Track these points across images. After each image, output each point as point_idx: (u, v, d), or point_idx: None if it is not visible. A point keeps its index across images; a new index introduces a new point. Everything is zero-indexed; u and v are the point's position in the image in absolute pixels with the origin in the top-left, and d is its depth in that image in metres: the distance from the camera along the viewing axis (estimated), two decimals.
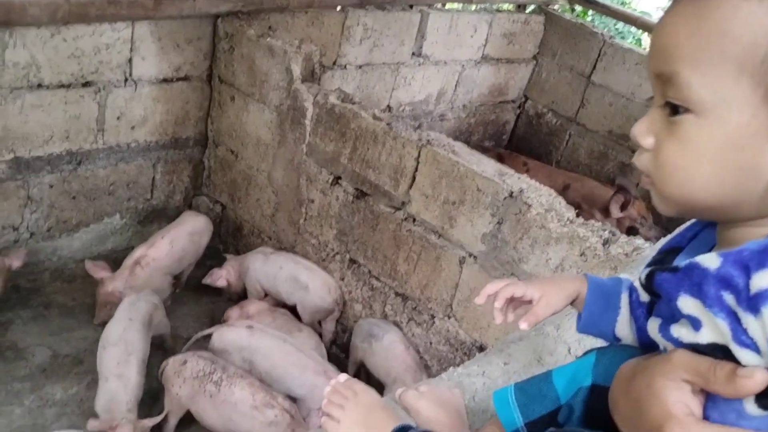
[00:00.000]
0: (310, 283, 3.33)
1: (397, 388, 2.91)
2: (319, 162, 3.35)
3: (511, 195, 2.75)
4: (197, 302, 3.66)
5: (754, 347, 0.70)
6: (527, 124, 5.22)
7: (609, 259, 2.58)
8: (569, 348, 1.48)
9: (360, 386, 1.19)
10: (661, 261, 0.92)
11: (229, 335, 2.99)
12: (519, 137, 5.28)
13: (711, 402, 0.76)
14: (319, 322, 3.41)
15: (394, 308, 3.23)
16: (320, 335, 3.37)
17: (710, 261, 0.73)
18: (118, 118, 3.46)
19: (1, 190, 3.25)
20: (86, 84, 3.27)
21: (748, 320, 0.70)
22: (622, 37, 6.25)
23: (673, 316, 0.81)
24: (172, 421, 2.76)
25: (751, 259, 0.70)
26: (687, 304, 0.76)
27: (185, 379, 2.68)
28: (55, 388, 2.99)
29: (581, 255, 2.64)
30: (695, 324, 0.76)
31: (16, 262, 3.14)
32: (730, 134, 0.73)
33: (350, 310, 3.42)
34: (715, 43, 0.72)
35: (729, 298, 0.71)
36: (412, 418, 1.24)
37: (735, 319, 0.71)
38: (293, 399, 2.85)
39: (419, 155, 2.99)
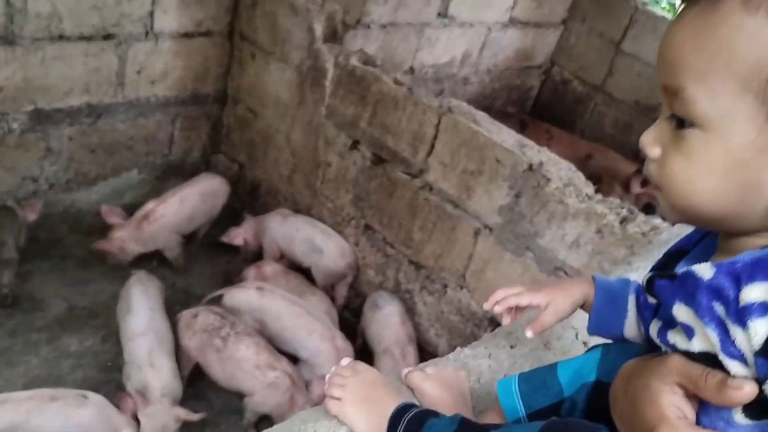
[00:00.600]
0: (325, 247, 3.34)
1: (385, 358, 2.98)
2: (337, 125, 3.31)
3: (530, 168, 2.71)
4: (212, 261, 3.69)
5: (741, 358, 0.71)
6: (552, 91, 5.12)
7: (625, 238, 2.54)
8: (577, 333, 1.47)
9: (361, 366, 1.19)
10: (665, 265, 0.92)
11: (240, 296, 3.02)
12: (543, 104, 5.19)
13: (702, 408, 0.77)
14: (333, 286, 3.42)
15: (407, 276, 3.23)
16: (333, 299, 3.38)
17: (704, 271, 0.75)
18: (138, 72, 3.45)
19: (21, 142, 3.26)
20: (107, 37, 3.25)
21: (736, 332, 0.71)
22: (656, 2, 6.07)
23: (670, 322, 0.82)
24: (183, 373, 2.81)
25: (743, 272, 0.71)
26: (681, 312, 0.78)
27: (195, 331, 2.75)
28: (71, 339, 3.05)
29: (597, 232, 2.61)
30: (688, 332, 0.77)
31: (31, 214, 3.17)
32: (735, 151, 0.72)
33: (363, 276, 3.43)
34: (719, 61, 0.71)
35: (719, 308, 0.72)
36: (416, 399, 1.24)
37: (724, 330, 0.72)
38: (296, 362, 2.90)
39: (439, 122, 2.94)
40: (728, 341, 0.72)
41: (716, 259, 0.83)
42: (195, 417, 2.56)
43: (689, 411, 0.77)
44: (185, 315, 2.86)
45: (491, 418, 1.17)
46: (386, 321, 3.07)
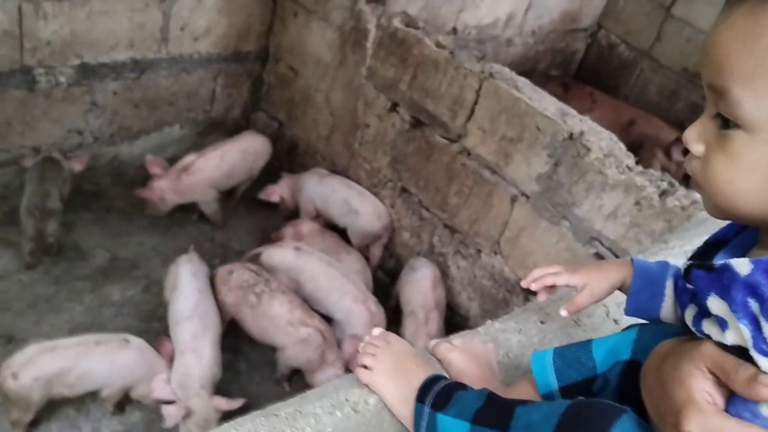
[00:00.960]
0: (361, 208, 3.37)
1: (410, 319, 3.02)
2: (377, 87, 3.31)
3: (570, 137, 2.69)
4: (251, 216, 3.75)
5: None
6: (598, 55, 5.00)
7: (664, 211, 2.52)
8: (608, 311, 1.47)
9: (393, 336, 1.21)
10: (705, 253, 0.92)
11: (278, 255, 3.08)
12: (588, 68, 5.07)
13: (730, 397, 0.78)
14: (367, 246, 3.46)
15: (441, 240, 3.24)
16: (367, 259, 3.43)
17: (742, 266, 0.74)
18: (181, 29, 3.47)
19: (67, 95, 3.33)
20: None
21: None
22: None
23: (705, 312, 0.82)
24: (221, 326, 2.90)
25: None
26: (715, 304, 0.78)
27: (230, 287, 2.82)
28: (113, 289, 3.15)
29: (636, 204, 2.58)
30: (722, 324, 0.77)
31: (77, 166, 3.26)
32: None
33: (398, 238, 3.46)
34: (767, 63, 0.70)
35: (754, 305, 0.72)
36: (443, 370, 1.26)
37: (757, 327, 0.72)
38: (330, 322, 2.96)
39: (480, 88, 2.92)
40: (760, 338, 0.72)
41: (756, 252, 0.83)
42: (234, 406, 2.55)
43: (719, 398, 0.77)
44: (221, 271, 2.92)
45: (523, 389, 1.18)
46: (418, 284, 3.10)
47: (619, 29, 4.86)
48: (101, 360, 2.50)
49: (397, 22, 3.16)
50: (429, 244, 3.30)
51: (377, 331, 1.22)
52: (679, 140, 4.03)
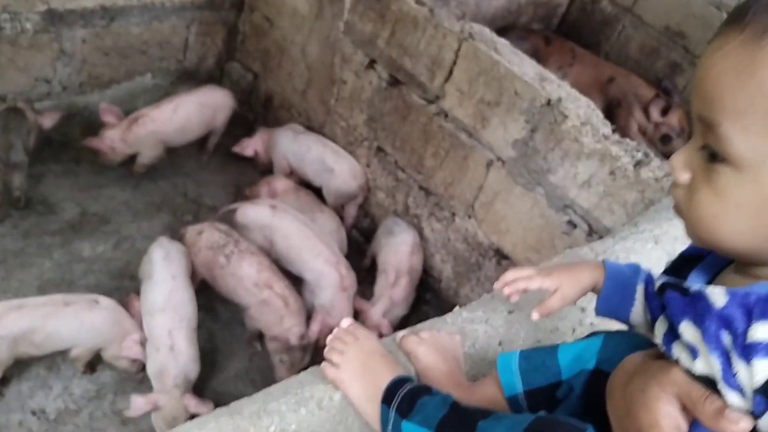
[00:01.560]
0: (336, 167, 3.33)
1: (381, 278, 3.03)
2: (355, 42, 3.23)
3: (548, 103, 2.66)
4: (225, 171, 3.70)
5: (740, 391, 0.72)
6: (580, 10, 4.92)
7: (638, 182, 2.52)
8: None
9: (361, 332, 1.22)
10: (680, 268, 0.91)
11: (252, 212, 3.05)
12: (570, 23, 4.99)
13: (694, 424, 0.78)
14: (342, 206, 3.44)
15: (416, 201, 3.23)
16: (342, 218, 3.41)
17: (717, 297, 0.74)
18: None
19: (34, 42, 3.21)
20: None
21: (739, 366, 0.71)
22: None
23: (676, 333, 0.81)
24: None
25: (756, 305, 0.70)
26: (688, 331, 0.78)
27: (200, 248, 2.80)
28: (83, 245, 3.11)
29: (610, 174, 2.58)
30: (693, 352, 0.77)
31: (48, 122, 3.16)
32: (766, 194, 0.71)
33: (373, 198, 3.44)
34: (761, 103, 0.68)
35: (727, 338, 0.72)
36: (410, 362, 1.27)
37: (727, 360, 0.72)
38: (301, 283, 2.96)
39: (459, 48, 2.86)
40: (730, 372, 0.72)
41: (729, 275, 0.83)
42: (203, 410, 2.43)
43: (683, 424, 0.78)
44: (190, 231, 2.89)
45: (488, 388, 1.19)
46: (396, 248, 3.10)
47: None
48: (70, 320, 2.48)
49: None
50: (404, 205, 3.29)
51: (346, 322, 1.22)
52: (658, 97, 4.04)
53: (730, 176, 0.72)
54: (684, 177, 0.78)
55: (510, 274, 1.20)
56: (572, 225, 2.72)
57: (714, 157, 0.73)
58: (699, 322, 0.75)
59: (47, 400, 2.53)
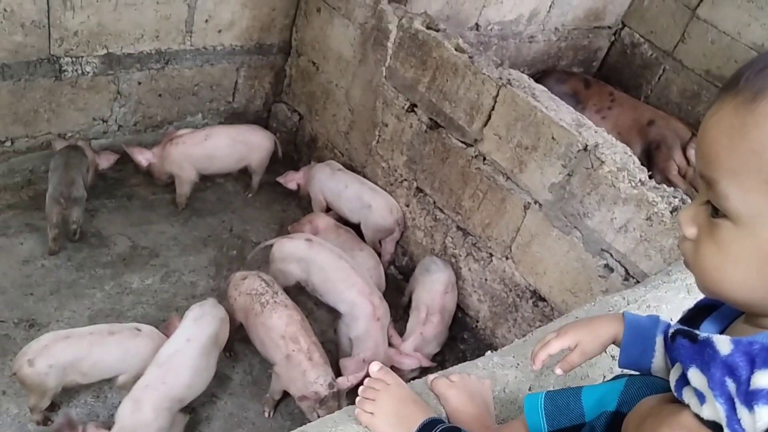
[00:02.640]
0: (374, 203, 3.43)
1: (413, 315, 3.09)
2: (397, 87, 3.34)
3: (585, 148, 2.71)
4: (269, 209, 3.82)
5: None
6: (620, 54, 4.98)
7: (674, 227, 2.54)
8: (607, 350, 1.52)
9: (392, 378, 1.27)
10: (694, 317, 0.95)
11: (289, 246, 3.14)
12: (609, 66, 5.05)
13: None
14: (380, 243, 3.52)
15: (454, 241, 3.29)
16: (380, 256, 3.49)
17: (723, 344, 0.77)
18: (206, 21, 3.51)
19: (93, 84, 3.40)
20: None
21: (742, 412, 0.74)
22: None
23: (686, 379, 0.85)
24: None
25: (759, 354, 0.73)
26: (695, 377, 0.81)
27: (240, 293, 2.85)
28: (133, 277, 3.24)
29: (647, 219, 2.61)
30: (700, 397, 0.81)
31: (104, 162, 3.34)
32: (763, 248, 0.75)
33: (412, 237, 3.51)
34: (753, 163, 0.73)
35: (731, 385, 0.75)
36: (440, 404, 1.32)
37: (732, 407, 0.75)
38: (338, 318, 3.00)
39: (498, 94, 2.94)
40: (734, 418, 0.75)
41: (739, 326, 0.86)
42: None
43: None
44: (236, 276, 2.95)
45: (515, 429, 1.24)
46: (431, 286, 3.16)
47: (643, 28, 4.83)
48: (114, 349, 2.59)
49: (418, 24, 3.17)
50: (442, 245, 3.36)
51: (376, 366, 1.27)
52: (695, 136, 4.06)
53: (730, 230, 0.77)
54: (690, 231, 0.82)
55: (535, 348, 1.23)
56: (609, 269, 2.75)
57: (716, 212, 0.78)
58: (705, 368, 0.79)
59: None
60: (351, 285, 3.03)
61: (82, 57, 3.29)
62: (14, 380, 2.64)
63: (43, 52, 3.18)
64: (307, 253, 3.11)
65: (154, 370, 2.50)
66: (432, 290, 3.15)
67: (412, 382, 1.35)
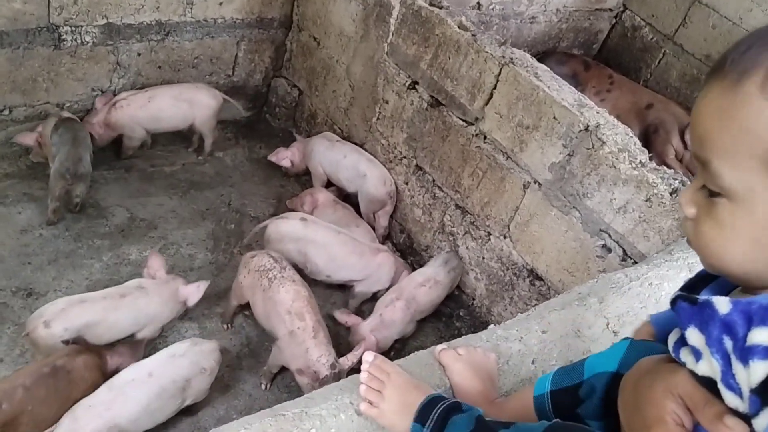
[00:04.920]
0: (368, 173, 3.44)
1: (383, 297, 3.07)
2: (398, 63, 3.32)
3: (586, 129, 2.71)
4: (267, 183, 3.81)
5: (738, 391, 0.78)
6: (621, 36, 4.96)
7: (674, 209, 2.56)
8: (608, 323, 1.54)
9: (390, 367, 1.26)
10: (695, 285, 0.97)
11: (284, 227, 3.13)
12: (610, 49, 5.03)
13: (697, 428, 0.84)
14: (374, 217, 3.54)
15: (452, 219, 3.30)
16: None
17: (722, 304, 0.80)
18: None
19: (92, 54, 3.38)
20: None
21: (737, 368, 0.77)
22: None
23: (684, 340, 0.88)
24: (233, 303, 2.98)
25: (756, 313, 0.76)
26: (693, 336, 0.84)
27: (249, 270, 2.85)
28: (131, 248, 3.24)
29: (647, 200, 2.62)
30: (696, 355, 0.84)
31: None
32: (759, 221, 0.78)
33: (410, 214, 3.52)
34: (741, 141, 0.77)
35: (728, 342, 0.78)
36: (445, 375, 1.33)
37: (727, 363, 0.79)
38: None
39: (500, 73, 2.93)
40: (729, 373, 0.78)
41: (737, 293, 0.89)
42: None
43: (687, 421, 0.84)
44: (246, 255, 2.95)
45: (519, 401, 1.25)
46: (414, 274, 3.18)
47: (644, 12, 4.81)
48: (127, 312, 2.65)
49: (421, 1, 3.16)
50: (440, 223, 3.36)
51: (370, 356, 1.25)
52: None
53: (726, 208, 0.80)
54: (690, 211, 0.85)
55: None
56: (607, 249, 2.76)
57: (713, 192, 0.82)
58: (704, 327, 0.82)
59: None
60: (362, 253, 3.10)
61: (82, 26, 3.27)
62: (12, 347, 2.66)
63: (43, 20, 3.15)
64: (304, 233, 3.11)
65: (103, 392, 2.31)
66: (411, 278, 3.14)
67: (416, 353, 1.36)
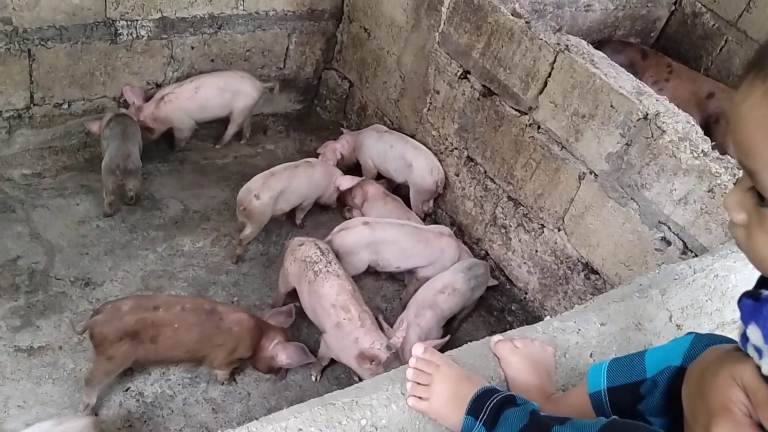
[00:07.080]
0: (414, 162, 3.40)
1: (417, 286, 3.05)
2: (450, 53, 3.28)
3: (645, 117, 2.62)
4: None
5: None
6: (680, 24, 4.79)
7: None
8: (671, 316, 1.47)
9: (439, 358, 1.22)
10: (765, 282, 0.92)
11: (351, 238, 3.06)
12: (668, 37, 4.87)
13: None
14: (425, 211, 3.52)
15: (504, 212, 3.24)
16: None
17: None
18: None
19: (147, 48, 3.43)
20: None
21: None
22: None
23: (747, 337, 0.84)
24: (281, 290, 2.98)
25: None
26: (754, 334, 0.81)
27: (296, 259, 2.85)
28: (184, 240, 3.28)
29: (709, 191, 2.52)
30: (759, 353, 0.80)
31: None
32: None
33: (461, 206, 3.47)
34: None
35: None
36: (501, 366, 1.29)
37: None
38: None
39: (555, 61, 2.86)
40: None
41: None
42: None
43: (753, 413, 0.80)
44: (294, 241, 2.95)
45: (576, 397, 1.21)
46: (431, 283, 3.06)
47: None
48: (302, 178, 3.25)
49: None
50: (492, 215, 3.31)
51: (419, 348, 1.21)
52: None
53: None
54: (740, 218, 0.79)
55: None
56: (666, 242, 2.67)
57: (762, 200, 0.75)
58: (763, 323, 0.78)
59: (146, 385, 2.69)
60: (427, 240, 3.13)
61: (137, 20, 3.32)
62: (71, 335, 2.71)
63: (100, 15, 3.21)
64: (373, 236, 3.08)
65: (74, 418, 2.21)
66: (428, 287, 3.02)
67: (469, 344, 1.32)
